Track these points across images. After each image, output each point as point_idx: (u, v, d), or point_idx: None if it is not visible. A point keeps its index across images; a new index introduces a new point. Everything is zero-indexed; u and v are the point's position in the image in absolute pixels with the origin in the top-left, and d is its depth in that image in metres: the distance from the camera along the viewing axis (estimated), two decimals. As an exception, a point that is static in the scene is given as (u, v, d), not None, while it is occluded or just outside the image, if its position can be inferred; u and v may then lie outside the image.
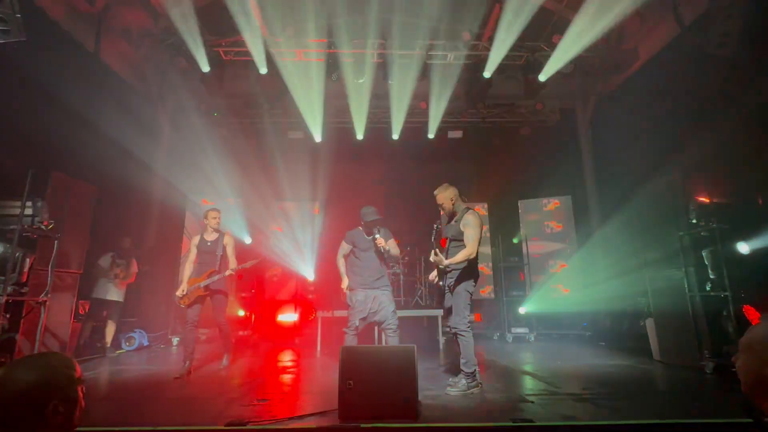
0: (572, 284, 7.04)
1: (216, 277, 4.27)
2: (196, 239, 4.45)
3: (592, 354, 5.58)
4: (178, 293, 4.20)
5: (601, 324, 6.69)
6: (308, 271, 7.24)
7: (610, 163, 7.00)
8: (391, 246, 3.71)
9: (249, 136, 8.03)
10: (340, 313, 6.11)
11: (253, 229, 7.39)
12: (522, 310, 7.00)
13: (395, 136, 7.85)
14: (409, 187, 8.10)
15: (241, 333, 6.78)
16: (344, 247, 3.81)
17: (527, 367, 4.70)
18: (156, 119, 7.63)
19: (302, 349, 6.43)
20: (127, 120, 6.24)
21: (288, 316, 7.11)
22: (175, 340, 6.63)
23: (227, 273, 4.30)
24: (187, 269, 4.33)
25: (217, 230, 4.49)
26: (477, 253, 3.31)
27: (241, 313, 6.73)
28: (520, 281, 7.32)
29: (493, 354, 5.69)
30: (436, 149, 8.17)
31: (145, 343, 6.14)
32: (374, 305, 3.60)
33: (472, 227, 3.31)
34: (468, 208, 3.46)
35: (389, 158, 8.25)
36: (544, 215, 7.68)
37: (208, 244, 4.41)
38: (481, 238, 3.33)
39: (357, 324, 3.58)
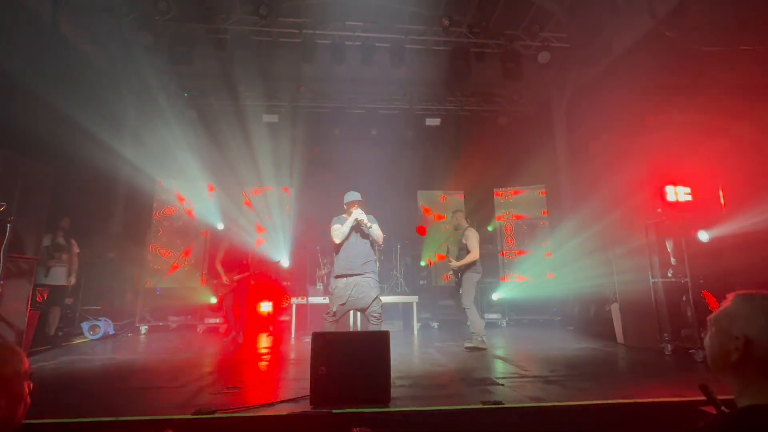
0: (541, 271, 7.22)
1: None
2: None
3: (561, 338, 5.75)
4: None
5: (570, 310, 6.91)
6: (283, 258, 7.17)
7: (583, 153, 7.16)
8: (375, 229, 3.69)
9: (222, 119, 7.79)
10: (315, 299, 6.13)
11: (226, 215, 7.24)
12: (495, 296, 7.16)
13: (372, 122, 7.85)
14: (386, 174, 8.11)
15: (211, 321, 6.69)
16: (337, 227, 3.72)
17: (498, 352, 4.80)
18: (121, 98, 7.26)
19: (277, 336, 6.40)
20: (88, 98, 5.91)
21: (263, 305, 7.02)
22: (144, 329, 6.49)
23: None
24: None
25: None
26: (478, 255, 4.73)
27: (213, 300, 6.57)
28: (494, 268, 7.46)
29: (467, 339, 5.75)
30: (413, 136, 8.17)
31: (111, 332, 5.95)
32: (355, 292, 3.57)
33: (472, 240, 4.80)
34: (469, 227, 4.99)
35: (366, 145, 8.20)
36: (513, 204, 7.88)
37: None
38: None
39: (335, 310, 3.55)
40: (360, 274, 3.60)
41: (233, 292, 5.60)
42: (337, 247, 3.71)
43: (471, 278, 4.82)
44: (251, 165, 7.76)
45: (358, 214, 3.63)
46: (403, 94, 7.92)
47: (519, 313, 7.24)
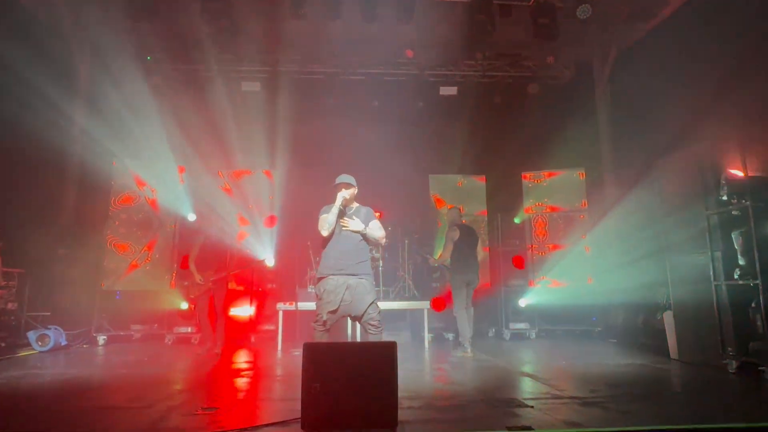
0: (579, 273, 7.25)
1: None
2: None
3: (602, 352, 5.77)
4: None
5: (613, 318, 6.92)
6: (267, 256, 7.18)
7: (632, 129, 7.08)
8: (373, 227, 3.69)
9: (193, 88, 7.78)
10: (305, 305, 6.14)
11: (200, 203, 7.24)
12: (522, 302, 7.16)
13: (374, 92, 7.80)
14: (391, 154, 8.00)
15: (182, 330, 6.74)
16: (323, 217, 3.73)
17: (527, 368, 4.84)
18: (70, 62, 7.21)
19: (260, 347, 6.45)
20: (30, 62, 5.86)
21: (242, 310, 7.10)
22: (102, 339, 6.57)
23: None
24: None
25: None
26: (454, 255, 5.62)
27: (184, 305, 6.62)
28: (521, 269, 7.47)
29: (488, 353, 5.81)
30: (424, 109, 8.12)
31: (63, 343, 6.01)
32: (347, 295, 3.56)
33: (445, 237, 5.71)
34: (453, 225, 5.86)
35: (367, 119, 8.17)
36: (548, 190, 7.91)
37: None
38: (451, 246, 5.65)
39: (325, 318, 3.55)
40: (353, 275, 3.59)
41: (208, 295, 5.65)
42: (325, 241, 3.71)
43: (453, 282, 5.63)
44: (230, 143, 7.79)
45: (341, 196, 3.65)
46: (412, 56, 7.84)
47: (551, 322, 7.28)
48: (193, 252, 5.77)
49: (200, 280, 5.59)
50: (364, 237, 3.70)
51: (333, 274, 3.58)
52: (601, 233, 7.05)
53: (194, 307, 5.90)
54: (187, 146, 7.56)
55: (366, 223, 3.70)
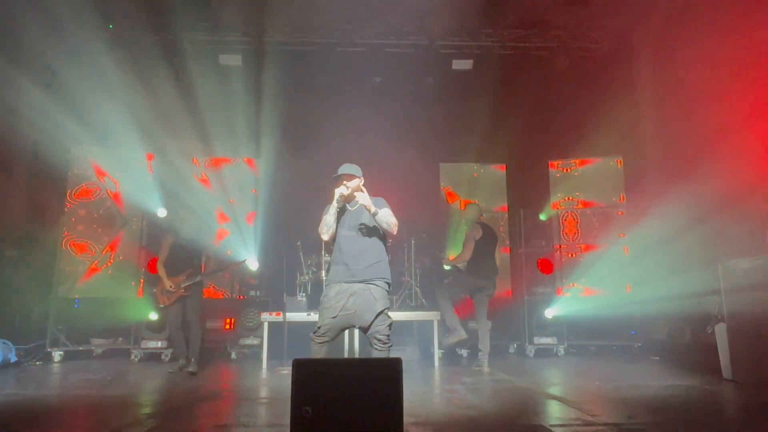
0: (616, 279, 7.24)
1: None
2: None
3: (642, 371, 5.78)
4: None
5: (655, 332, 6.96)
6: (249, 258, 7.20)
7: (679, 112, 7.00)
8: (384, 213, 3.68)
9: (162, 62, 7.70)
10: (295, 315, 6.16)
11: (170, 195, 7.28)
12: (549, 313, 7.17)
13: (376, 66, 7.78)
14: (395, 140, 8.07)
15: (151, 345, 6.75)
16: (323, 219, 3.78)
17: (554, 390, 4.84)
18: (17, 30, 7.09)
19: (242, 365, 6.46)
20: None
21: (220, 324, 7.20)
22: (58, 355, 6.59)
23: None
24: None
25: None
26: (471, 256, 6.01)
27: (154, 316, 6.63)
28: (548, 274, 7.48)
29: (509, 372, 5.82)
30: (434, 86, 8.11)
31: (12, 359, 6.03)
32: (350, 303, 3.60)
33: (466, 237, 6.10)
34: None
35: (368, 99, 8.17)
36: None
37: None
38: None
39: (322, 324, 3.60)
40: (362, 281, 3.63)
41: (180, 304, 5.67)
42: (327, 246, 3.83)
43: (460, 282, 6.15)
44: (206, 126, 7.82)
45: (339, 192, 3.67)
46: (420, 24, 7.80)
47: (582, 336, 7.30)
48: (161, 254, 5.81)
49: (170, 287, 5.60)
50: (377, 224, 3.71)
51: (338, 281, 3.67)
52: (642, 232, 7.03)
53: (165, 318, 5.89)
54: (157, 130, 7.58)
55: (376, 208, 3.69)
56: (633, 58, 7.89)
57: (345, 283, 3.64)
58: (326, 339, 3.61)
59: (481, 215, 6.47)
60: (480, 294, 5.99)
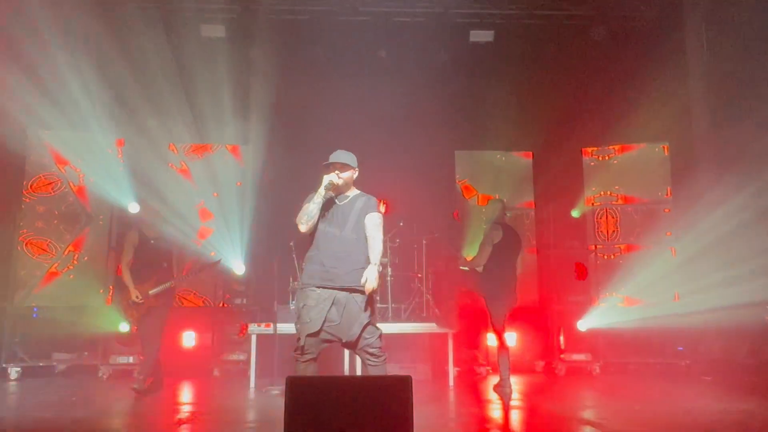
0: (662, 287, 7.19)
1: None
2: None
3: (692, 394, 5.77)
4: None
5: (707, 349, 6.90)
6: (235, 261, 7.22)
7: (735, 89, 6.92)
8: (371, 221, 3.72)
9: (134, 33, 7.65)
10: (287, 327, 6.04)
11: (143, 187, 7.20)
12: (582, 325, 7.14)
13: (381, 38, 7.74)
14: (403, 124, 8.05)
15: (121, 361, 6.73)
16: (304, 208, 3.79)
17: (588, 414, 4.86)
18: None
19: (226, 383, 6.49)
20: None
21: (200, 338, 7.16)
22: (15, 372, 6.58)
23: None
24: None
25: None
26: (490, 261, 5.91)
27: (125, 327, 6.56)
28: (582, 280, 7.44)
29: (536, 393, 5.90)
30: (450, 61, 8.04)
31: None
32: (334, 314, 3.58)
33: (484, 238, 6.01)
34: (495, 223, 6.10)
35: (372, 76, 8.11)
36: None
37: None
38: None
39: (303, 343, 3.56)
40: (343, 288, 3.63)
41: (150, 313, 5.55)
42: (309, 240, 3.78)
43: (488, 294, 5.92)
44: (185, 108, 7.77)
45: (328, 178, 3.69)
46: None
47: (621, 353, 7.26)
48: (125, 255, 5.71)
49: (137, 297, 5.46)
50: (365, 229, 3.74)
51: (317, 286, 3.62)
52: (693, 233, 6.96)
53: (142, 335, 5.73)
54: (129, 111, 7.56)
55: (361, 216, 3.72)
56: (682, 29, 7.77)
57: (324, 288, 3.62)
58: (312, 356, 3.59)
59: (506, 214, 6.38)
60: (496, 302, 5.93)
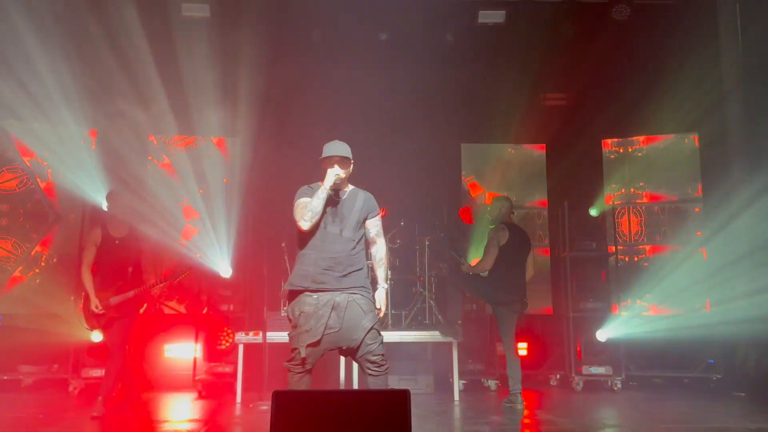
0: (691, 294, 7.14)
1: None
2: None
3: (723, 411, 5.76)
4: None
5: (740, 361, 6.86)
6: (221, 263, 7.19)
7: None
8: (374, 225, 3.89)
9: (109, 12, 7.52)
10: (277, 336, 6.15)
11: (119, 184, 7.05)
12: (602, 336, 7.09)
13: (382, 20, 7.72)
14: (404, 114, 8.02)
15: (93, 374, 6.64)
16: (303, 202, 3.82)
17: (609, 433, 4.78)
18: None
19: (211, 398, 6.45)
20: None
21: (181, 348, 7.17)
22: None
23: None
24: None
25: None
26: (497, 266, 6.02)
27: (96, 337, 6.42)
28: (601, 284, 7.42)
29: (550, 410, 5.90)
30: (456, 44, 8.01)
31: None
32: (334, 320, 3.59)
33: (489, 241, 6.13)
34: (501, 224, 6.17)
35: (371, 61, 8.11)
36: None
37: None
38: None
39: (304, 354, 3.55)
40: (341, 290, 3.66)
41: (111, 325, 5.41)
42: (303, 238, 3.77)
43: (496, 302, 6.04)
44: (164, 96, 7.70)
45: (334, 173, 3.70)
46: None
47: (645, 366, 7.26)
48: (86, 255, 5.46)
49: (97, 307, 5.23)
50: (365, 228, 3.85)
51: (311, 290, 3.61)
52: (726, 233, 6.92)
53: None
54: (102, 100, 7.51)
55: (362, 216, 3.80)
56: (713, 8, 7.72)
57: (321, 292, 3.62)
58: (308, 368, 3.61)
59: (512, 212, 6.40)
60: (503, 308, 5.96)
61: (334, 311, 3.58)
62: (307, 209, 3.66)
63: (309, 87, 8.03)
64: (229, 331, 6.97)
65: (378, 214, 3.89)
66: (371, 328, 3.61)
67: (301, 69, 8.05)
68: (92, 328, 5.45)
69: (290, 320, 3.69)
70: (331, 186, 3.67)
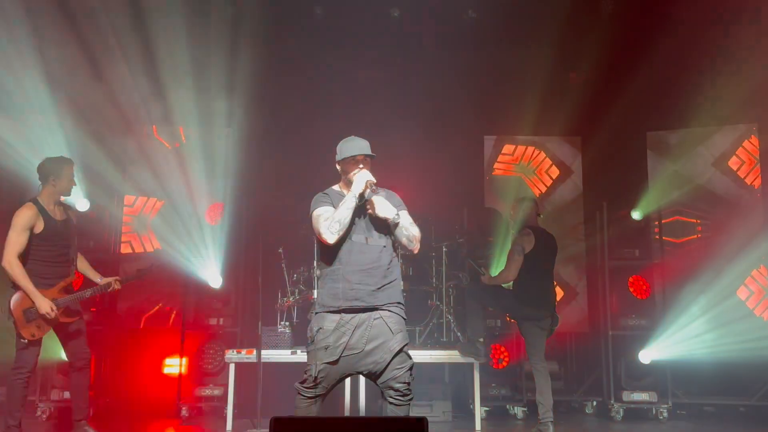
0: (747, 309, 7.16)
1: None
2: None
3: None
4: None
5: None
6: (210, 272, 7.12)
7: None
8: (405, 223, 3.78)
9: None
10: (273, 354, 6.21)
11: (96, 183, 7.13)
12: (645, 357, 6.93)
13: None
14: (420, 103, 7.92)
15: (66, 396, 6.51)
16: (325, 211, 3.79)
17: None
18: None
19: (198, 425, 6.56)
20: None
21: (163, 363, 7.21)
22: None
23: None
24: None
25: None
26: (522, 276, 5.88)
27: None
28: (643, 300, 7.26)
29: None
30: (477, 22, 7.63)
31: None
32: (357, 339, 3.55)
33: (512, 250, 5.96)
34: (525, 228, 5.97)
35: (382, 42, 7.86)
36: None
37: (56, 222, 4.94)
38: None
39: (316, 374, 3.50)
40: (372, 309, 3.63)
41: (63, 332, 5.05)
42: (328, 253, 3.74)
43: (521, 317, 5.87)
44: (148, 85, 7.67)
45: (365, 178, 3.67)
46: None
47: (695, 392, 7.17)
48: (13, 241, 4.62)
49: (51, 310, 4.59)
50: (397, 230, 3.78)
51: (342, 310, 3.59)
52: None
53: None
54: (77, 84, 7.38)
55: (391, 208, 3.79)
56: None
57: (346, 312, 3.60)
58: (320, 392, 3.59)
59: (538, 215, 6.24)
60: (530, 324, 5.79)
61: (358, 329, 3.57)
62: (334, 220, 3.62)
63: (310, 71, 7.97)
64: (219, 348, 6.87)
65: (405, 208, 3.88)
66: (400, 350, 3.57)
67: (302, 50, 7.89)
68: (28, 336, 4.63)
69: (309, 338, 3.71)
70: (360, 191, 3.66)
